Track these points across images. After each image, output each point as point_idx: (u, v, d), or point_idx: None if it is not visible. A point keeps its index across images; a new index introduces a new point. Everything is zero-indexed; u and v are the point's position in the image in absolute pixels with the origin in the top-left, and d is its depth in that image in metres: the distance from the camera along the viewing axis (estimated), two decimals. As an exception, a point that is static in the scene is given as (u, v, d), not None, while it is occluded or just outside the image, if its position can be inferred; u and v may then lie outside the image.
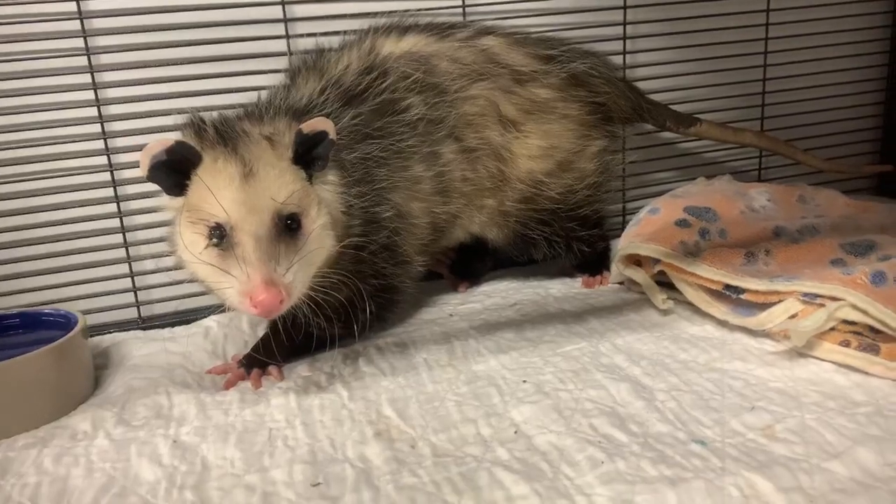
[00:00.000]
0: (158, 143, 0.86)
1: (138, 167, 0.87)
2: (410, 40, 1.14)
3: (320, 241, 0.92)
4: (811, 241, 1.17)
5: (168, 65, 1.21)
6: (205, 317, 1.21)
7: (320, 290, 0.93)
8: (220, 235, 0.86)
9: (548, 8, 1.39)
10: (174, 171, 0.88)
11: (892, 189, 1.55)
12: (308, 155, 0.92)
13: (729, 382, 0.93)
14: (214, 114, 0.95)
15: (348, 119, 1.04)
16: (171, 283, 1.24)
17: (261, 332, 1.12)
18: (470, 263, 1.36)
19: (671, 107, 1.37)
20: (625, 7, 1.41)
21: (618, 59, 1.42)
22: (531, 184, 1.19)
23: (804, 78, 1.56)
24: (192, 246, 0.88)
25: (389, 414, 0.91)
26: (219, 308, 0.95)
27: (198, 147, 0.89)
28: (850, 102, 1.61)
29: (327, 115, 1.00)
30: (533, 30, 1.31)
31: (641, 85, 1.40)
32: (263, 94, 1.10)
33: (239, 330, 1.19)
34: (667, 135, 1.44)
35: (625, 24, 1.42)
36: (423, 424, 0.89)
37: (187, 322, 1.23)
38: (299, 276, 0.88)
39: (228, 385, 1.01)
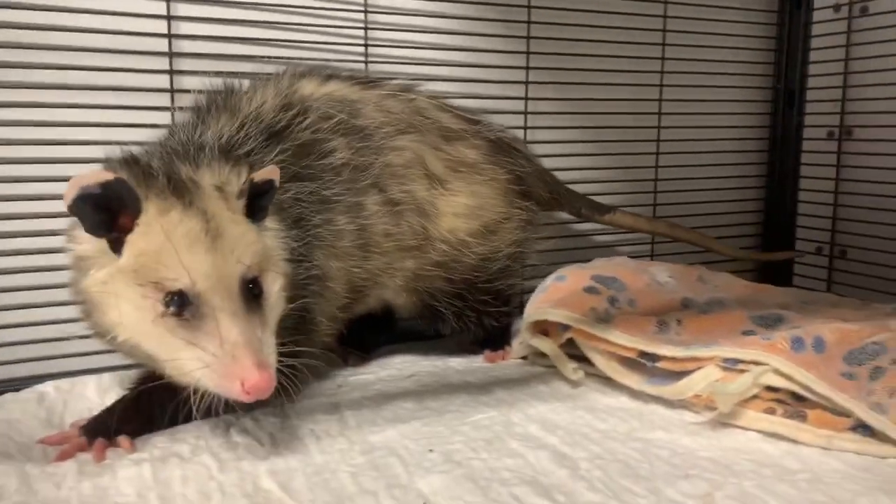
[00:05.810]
0: (93, 173, 0.71)
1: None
2: (333, 86, 1.06)
3: (278, 307, 0.81)
4: (720, 313, 1.13)
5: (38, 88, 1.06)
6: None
7: None
8: (179, 304, 0.72)
9: (450, 75, 1.35)
10: (102, 208, 0.73)
11: (771, 277, 1.57)
12: (252, 205, 0.81)
13: (655, 452, 0.84)
14: (140, 152, 0.83)
15: (276, 155, 0.93)
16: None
17: (110, 400, 0.93)
18: (361, 335, 1.23)
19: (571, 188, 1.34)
20: (526, 82, 1.40)
21: (519, 134, 1.39)
22: (454, 244, 1.11)
23: (693, 165, 1.59)
24: (138, 313, 0.73)
25: (270, 487, 0.75)
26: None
27: (141, 193, 0.74)
28: (735, 188, 1.65)
29: (251, 151, 0.91)
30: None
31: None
32: (163, 132, 0.98)
33: (83, 397, 0.99)
34: (560, 217, 1.40)
35: (526, 98, 1.40)
36: (311, 498, 0.73)
37: (17, 390, 1.01)
38: (272, 353, 0.75)
39: (64, 456, 0.82)
